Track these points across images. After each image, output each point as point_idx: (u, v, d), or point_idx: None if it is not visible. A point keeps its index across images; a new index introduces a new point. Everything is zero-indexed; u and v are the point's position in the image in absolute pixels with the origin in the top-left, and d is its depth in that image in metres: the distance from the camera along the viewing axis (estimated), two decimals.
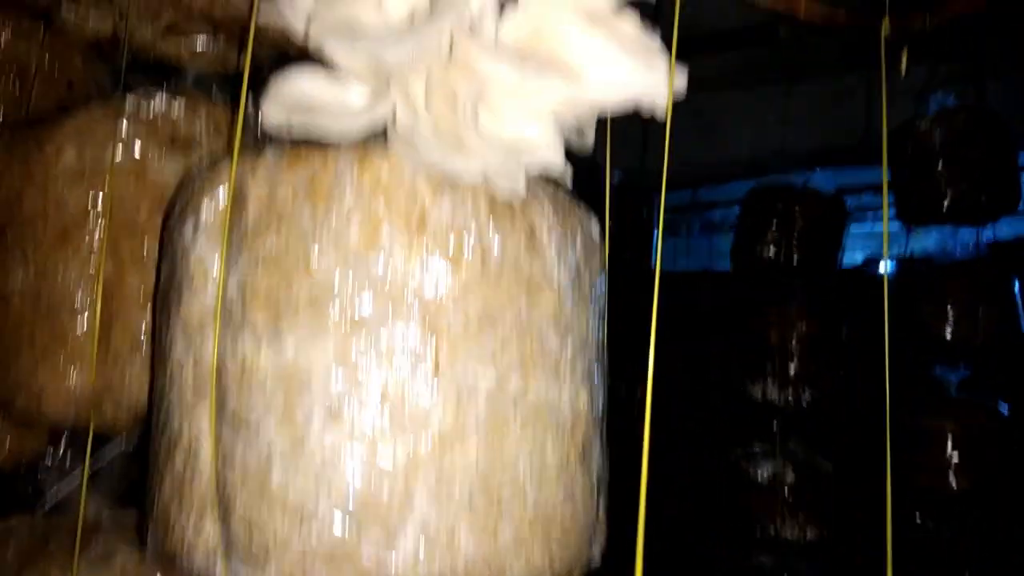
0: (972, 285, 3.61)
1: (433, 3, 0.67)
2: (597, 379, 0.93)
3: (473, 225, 0.79)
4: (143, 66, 1.46)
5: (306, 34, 0.70)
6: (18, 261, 1.17)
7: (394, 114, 0.72)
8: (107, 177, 1.16)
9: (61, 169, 1.17)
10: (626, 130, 1.01)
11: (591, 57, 0.71)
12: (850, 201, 5.70)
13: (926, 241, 4.18)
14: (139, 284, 1.18)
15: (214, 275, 0.82)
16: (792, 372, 4.05)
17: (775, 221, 4.11)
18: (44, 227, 1.16)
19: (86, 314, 1.16)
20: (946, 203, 3.44)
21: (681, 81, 0.75)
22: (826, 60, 4.07)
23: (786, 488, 3.99)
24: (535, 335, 0.83)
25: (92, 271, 1.17)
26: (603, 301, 0.97)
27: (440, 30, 0.63)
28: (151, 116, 1.23)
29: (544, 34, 0.72)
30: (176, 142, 1.21)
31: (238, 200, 0.80)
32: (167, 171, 1.21)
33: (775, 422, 4.06)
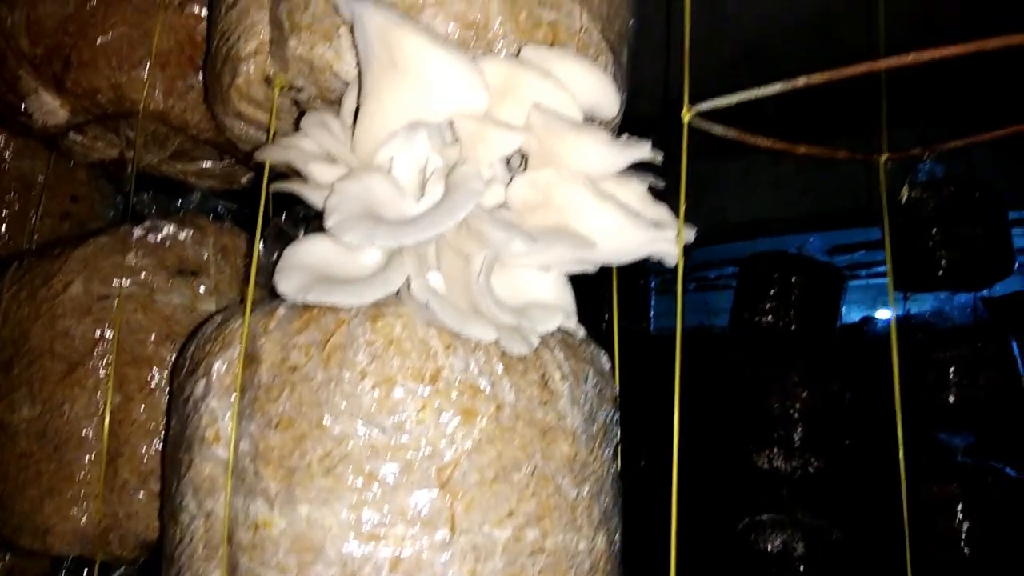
0: (972, 350, 3.61)
1: (449, 183, 0.68)
2: (614, 517, 0.92)
3: (486, 379, 0.79)
4: (149, 183, 1.48)
5: (322, 213, 0.71)
6: (24, 397, 1.16)
7: (408, 279, 0.72)
8: (114, 309, 1.16)
9: (68, 302, 1.18)
10: None
11: (600, 226, 0.72)
12: (844, 259, 5.76)
13: (923, 304, 4.20)
14: (146, 415, 1.18)
15: (225, 435, 0.81)
16: (797, 440, 4.02)
17: (772, 289, 4.14)
18: (51, 362, 1.16)
19: (93, 449, 1.15)
20: (941, 271, 3.48)
21: (690, 235, 0.76)
22: (814, 128, 4.15)
23: (796, 559, 3.93)
24: (551, 483, 0.83)
25: (99, 404, 1.16)
26: (616, 434, 0.96)
27: (459, 216, 0.64)
28: (158, 244, 1.24)
29: (554, 201, 0.74)
30: (184, 271, 1.22)
31: (250, 360, 0.80)
32: (175, 300, 1.21)
33: (783, 490, 4.02)
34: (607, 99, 0.77)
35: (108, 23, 1.19)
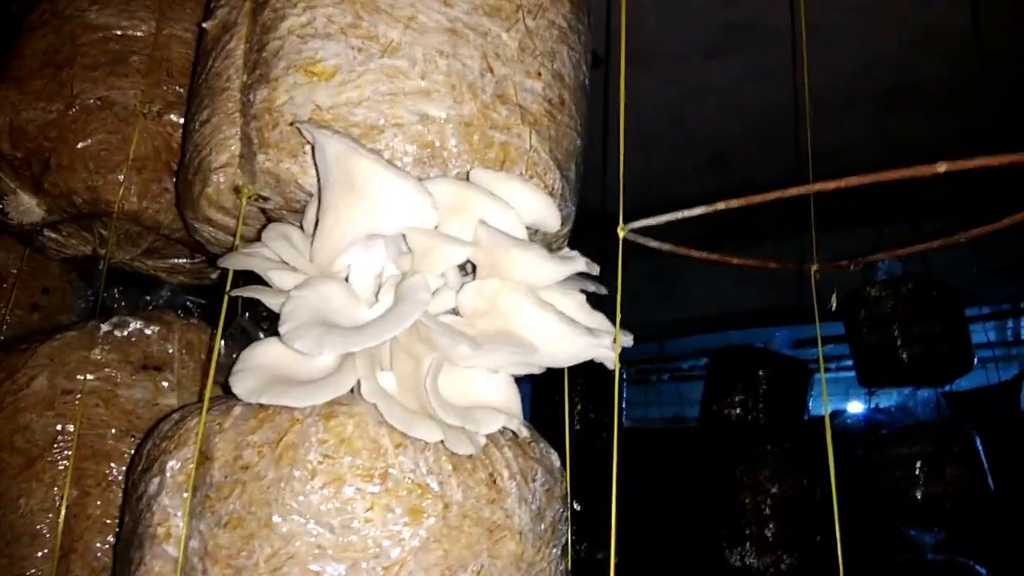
0: (937, 446, 3.65)
1: (398, 293, 0.73)
2: None
3: (434, 478, 0.82)
4: (120, 277, 1.52)
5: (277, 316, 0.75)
6: None
7: (359, 381, 0.76)
8: (76, 405, 1.18)
9: (31, 396, 1.20)
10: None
11: (541, 333, 0.77)
12: (811, 352, 5.85)
13: (888, 399, 4.27)
14: (102, 511, 1.18)
15: (177, 533, 0.83)
16: (769, 536, 4.00)
17: (740, 383, 4.19)
18: (10, 456, 1.17)
19: (46, 544, 1.15)
20: (903, 367, 3.56)
21: (627, 341, 0.81)
22: (769, 228, 4.30)
23: None
24: None
25: (55, 499, 1.16)
26: (566, 532, 0.99)
27: (405, 325, 0.68)
28: (124, 339, 1.27)
29: (499, 308, 0.79)
30: (148, 366, 1.25)
31: (204, 458, 0.83)
32: (137, 395, 1.23)
33: None
34: (549, 216, 0.84)
35: (88, 129, 1.25)
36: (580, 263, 0.79)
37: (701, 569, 4.33)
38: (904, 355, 3.73)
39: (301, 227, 0.90)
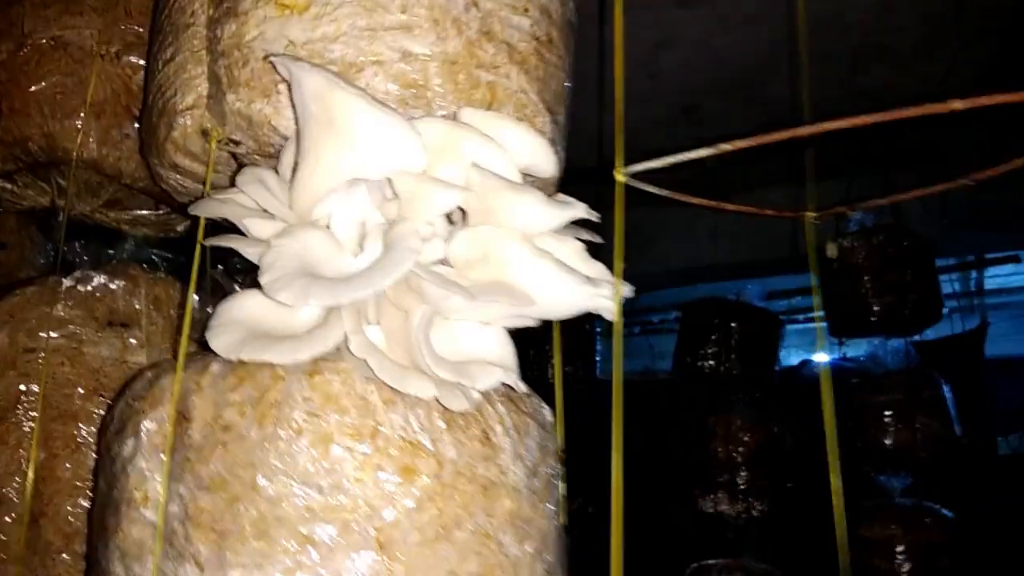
0: (906, 394, 3.71)
1: (387, 241, 0.68)
2: (559, 573, 0.91)
3: (427, 435, 0.78)
4: (82, 230, 1.44)
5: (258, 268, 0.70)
6: None
7: (346, 335, 0.72)
8: (40, 363, 1.12)
9: None
10: None
11: (538, 282, 0.73)
12: (781, 304, 5.91)
13: (858, 349, 4.33)
14: (72, 473, 1.13)
15: (154, 497, 0.78)
16: (741, 483, 4.07)
17: (712, 335, 4.22)
18: None
19: (15, 509, 1.10)
20: (873, 317, 3.59)
21: (628, 291, 0.77)
22: (750, 180, 4.29)
23: None
24: (494, 541, 0.82)
25: (22, 462, 1.11)
26: (560, 488, 0.96)
27: (396, 275, 0.64)
28: (88, 295, 1.21)
29: (493, 257, 0.74)
30: (114, 323, 1.19)
31: (181, 418, 0.78)
32: (104, 353, 1.18)
33: (729, 534, 4.05)
34: (543, 160, 0.79)
35: (42, 71, 1.17)
36: (579, 208, 0.75)
37: (675, 516, 4.40)
38: (875, 305, 3.76)
39: (277, 172, 0.84)
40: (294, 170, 0.76)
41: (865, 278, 3.68)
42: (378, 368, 0.68)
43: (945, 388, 3.82)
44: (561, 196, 0.77)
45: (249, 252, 0.72)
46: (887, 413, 3.75)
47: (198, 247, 0.79)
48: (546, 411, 0.97)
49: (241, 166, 0.98)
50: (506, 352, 0.78)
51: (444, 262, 0.78)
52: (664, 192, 0.78)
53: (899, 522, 3.56)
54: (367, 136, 0.69)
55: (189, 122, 0.91)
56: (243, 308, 0.74)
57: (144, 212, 1.41)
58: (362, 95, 0.68)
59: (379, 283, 0.63)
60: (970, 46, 3.02)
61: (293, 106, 0.76)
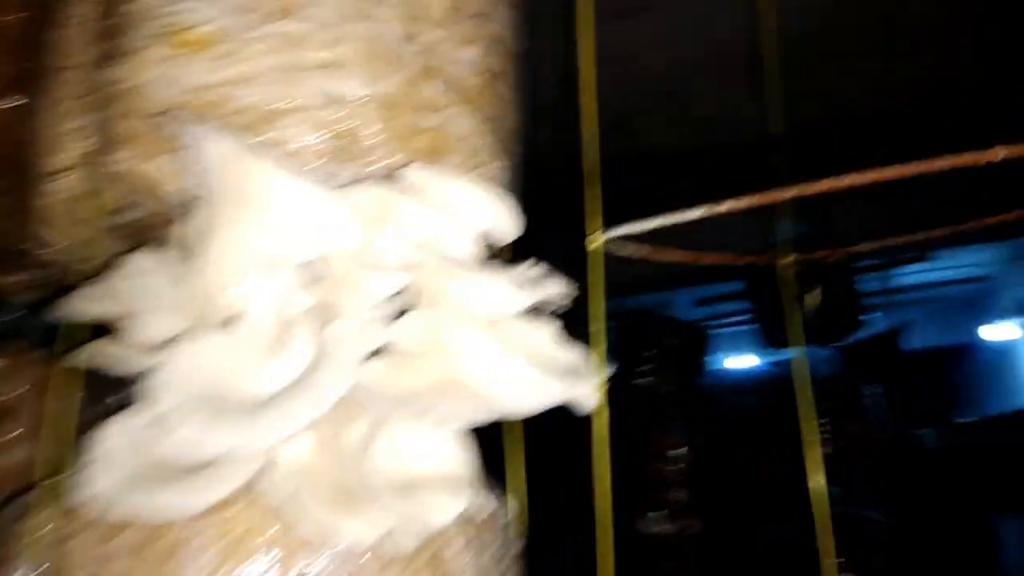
0: (835, 403, 3.75)
1: (322, 343, 0.54)
2: None
3: None
4: None
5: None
6: None
7: (265, 464, 0.57)
8: None
9: None
10: None
11: (504, 380, 0.60)
12: (710, 310, 5.94)
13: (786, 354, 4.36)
14: None
15: None
16: (678, 503, 4.02)
17: (640, 351, 4.18)
18: None
19: None
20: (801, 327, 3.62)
21: (605, 376, 0.65)
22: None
23: None
24: None
25: None
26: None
27: (327, 402, 0.49)
28: None
29: (446, 347, 0.61)
30: None
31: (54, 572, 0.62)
32: None
33: (667, 554, 3.99)
34: (505, 223, 0.66)
35: None
36: (552, 288, 0.62)
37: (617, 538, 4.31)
38: (804, 315, 3.78)
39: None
40: (193, 253, 0.61)
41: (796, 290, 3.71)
42: (303, 512, 0.53)
43: (870, 389, 3.89)
44: (525, 266, 0.64)
45: (133, 363, 0.57)
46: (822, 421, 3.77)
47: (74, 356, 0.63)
48: (501, 504, 0.83)
49: (139, 238, 0.82)
50: (461, 460, 0.65)
51: (383, 349, 0.64)
52: (643, 252, 0.67)
53: (836, 531, 3.56)
54: (289, 214, 0.55)
55: (63, 187, 0.75)
56: (122, 435, 0.58)
57: (26, 276, 1.21)
58: (278, 167, 0.53)
59: (309, 413, 0.48)
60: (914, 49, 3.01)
61: (192, 174, 0.61)
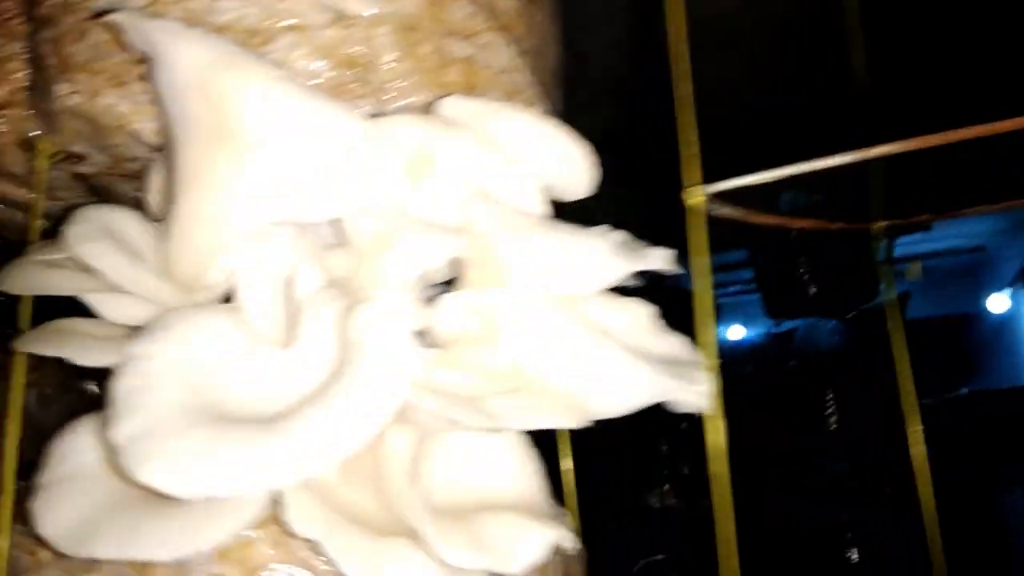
0: (846, 377, 3.64)
1: (347, 334, 0.38)
2: None
3: None
4: None
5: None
6: None
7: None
8: None
9: None
10: None
11: (590, 377, 0.45)
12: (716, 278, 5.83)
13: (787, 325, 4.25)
14: None
15: None
16: (682, 476, 3.93)
17: None
18: None
19: None
20: (808, 300, 3.50)
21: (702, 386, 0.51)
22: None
23: None
24: None
25: None
26: None
27: (379, 424, 0.34)
28: None
29: (505, 332, 0.46)
30: None
31: None
32: None
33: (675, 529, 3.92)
34: (577, 172, 0.50)
35: None
36: (655, 257, 0.47)
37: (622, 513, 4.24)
38: (810, 285, 3.67)
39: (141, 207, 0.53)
40: (170, 207, 0.45)
41: (800, 258, 3.58)
42: (338, 554, 0.39)
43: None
44: (602, 230, 0.49)
45: (94, 359, 0.41)
46: (828, 396, 3.67)
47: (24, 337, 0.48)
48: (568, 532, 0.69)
49: (93, 191, 0.66)
50: (528, 475, 0.50)
51: (426, 336, 0.49)
52: (741, 214, 0.53)
53: (846, 505, 3.50)
54: (299, 150, 0.40)
55: (2, 127, 0.59)
56: (94, 448, 0.43)
57: None
58: (285, 76, 0.38)
59: (347, 445, 0.33)
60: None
61: (162, 101, 0.46)
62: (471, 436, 0.51)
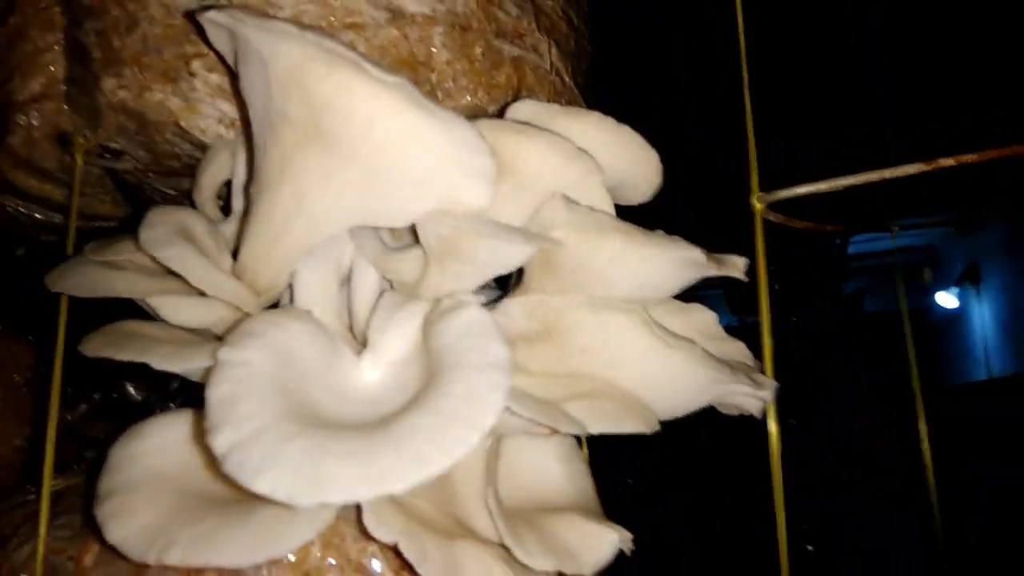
0: (805, 373, 3.71)
1: (434, 341, 0.38)
2: None
3: None
4: None
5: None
6: None
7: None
8: None
9: None
10: None
11: (654, 379, 0.45)
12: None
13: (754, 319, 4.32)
14: None
15: None
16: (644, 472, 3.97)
17: None
18: None
19: None
20: (771, 297, 3.56)
21: (768, 388, 0.52)
22: None
23: None
24: None
25: None
26: None
27: (483, 430, 0.34)
28: None
29: (569, 336, 0.46)
30: None
31: None
32: None
33: None
34: (645, 177, 0.51)
35: None
36: (733, 265, 0.48)
37: None
38: (775, 284, 3.73)
39: (196, 206, 0.52)
40: (246, 211, 0.44)
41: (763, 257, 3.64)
42: (419, 557, 0.39)
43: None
44: (666, 237, 0.49)
45: (171, 365, 0.40)
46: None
47: (60, 338, 0.47)
48: None
49: (125, 190, 0.64)
50: (580, 475, 0.51)
51: None
52: (803, 224, 0.55)
53: None
54: (398, 157, 0.39)
55: (36, 121, 0.57)
56: (160, 453, 0.42)
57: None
58: (403, 83, 0.37)
59: (456, 451, 0.33)
60: None
61: (238, 96, 0.45)
62: (529, 440, 0.51)
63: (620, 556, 0.49)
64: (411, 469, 0.32)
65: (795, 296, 3.81)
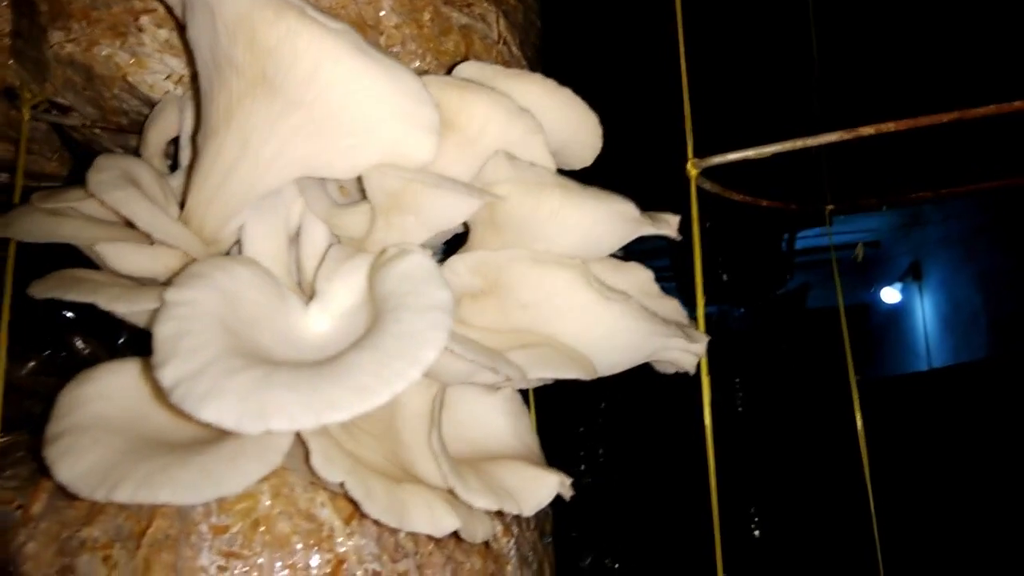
0: (753, 362, 3.80)
1: (380, 284, 0.39)
2: None
3: (411, 562, 0.52)
4: None
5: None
6: None
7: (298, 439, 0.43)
8: None
9: None
10: None
11: (600, 335, 0.47)
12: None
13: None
14: None
15: None
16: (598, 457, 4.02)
17: None
18: None
19: None
20: (721, 287, 3.64)
21: (700, 345, 0.55)
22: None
23: None
24: None
25: None
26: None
27: (426, 363, 0.36)
28: None
29: (513, 293, 0.48)
30: None
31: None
32: None
33: None
34: (588, 141, 0.53)
35: None
36: (665, 223, 0.50)
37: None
38: (722, 275, 3.81)
39: (142, 157, 0.53)
40: (193, 160, 0.45)
41: (714, 248, 3.71)
42: (367, 500, 0.40)
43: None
44: (610, 195, 0.51)
45: (118, 308, 0.41)
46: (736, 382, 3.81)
47: (8, 291, 0.47)
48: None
49: (72, 148, 0.64)
50: (523, 427, 0.53)
51: None
52: (715, 189, 0.57)
53: None
54: (345, 106, 0.40)
55: None
56: (108, 398, 0.43)
57: None
58: (348, 30, 0.38)
59: (397, 385, 0.34)
60: None
61: (186, 48, 0.46)
62: (472, 390, 0.53)
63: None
64: (354, 399, 0.33)
65: (742, 288, 3.90)
